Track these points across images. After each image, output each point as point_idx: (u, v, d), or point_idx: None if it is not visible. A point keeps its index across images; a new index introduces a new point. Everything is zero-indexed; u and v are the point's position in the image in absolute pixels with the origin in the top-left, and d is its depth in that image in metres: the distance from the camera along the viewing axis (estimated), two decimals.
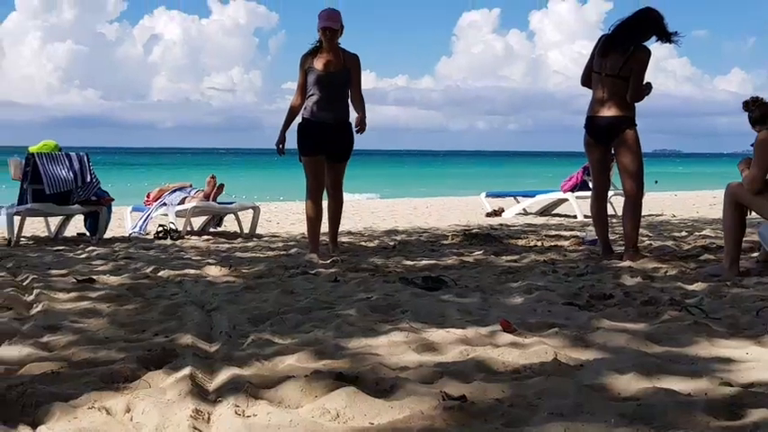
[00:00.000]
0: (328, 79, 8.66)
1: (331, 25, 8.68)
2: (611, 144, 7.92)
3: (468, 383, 3.46)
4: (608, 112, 7.80)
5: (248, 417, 3.18)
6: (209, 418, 3.18)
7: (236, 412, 3.21)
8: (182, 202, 12.41)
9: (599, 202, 8.35)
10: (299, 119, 8.82)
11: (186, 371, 3.67)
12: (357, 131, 8.73)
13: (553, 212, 17.15)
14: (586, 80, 8.08)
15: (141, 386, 3.57)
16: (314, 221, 8.98)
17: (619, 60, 7.75)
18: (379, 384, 3.52)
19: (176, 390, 3.43)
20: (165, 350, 4.13)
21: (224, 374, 3.70)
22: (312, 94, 8.68)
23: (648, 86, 7.88)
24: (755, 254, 7.25)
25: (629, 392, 3.35)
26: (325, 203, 9.02)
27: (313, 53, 8.78)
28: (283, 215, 17.91)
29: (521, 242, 10.06)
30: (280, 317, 5.04)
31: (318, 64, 8.68)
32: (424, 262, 8.06)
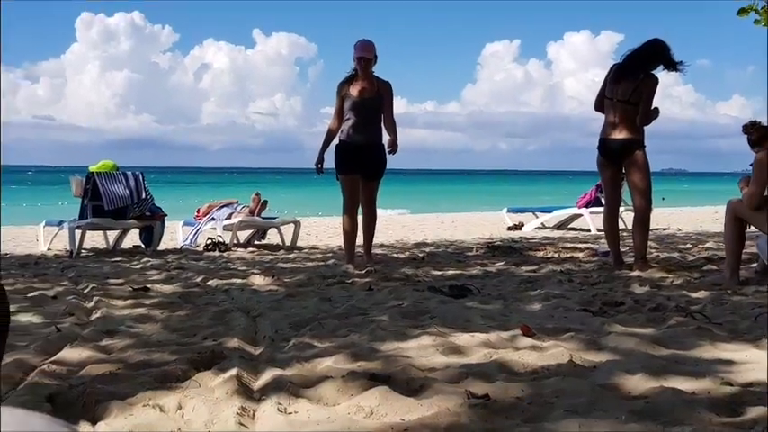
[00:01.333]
0: (363, 105, 8.66)
1: (365, 55, 8.69)
2: (622, 164, 7.90)
3: (490, 383, 3.46)
4: (619, 134, 7.79)
5: (290, 414, 3.19)
6: (253, 415, 3.18)
7: (278, 409, 3.21)
8: (229, 217, 12.41)
9: (611, 217, 8.33)
10: (336, 141, 8.81)
11: (233, 371, 3.68)
12: (390, 152, 8.71)
13: (569, 226, 17.06)
14: (599, 105, 8.07)
15: (192, 385, 3.58)
16: (350, 235, 8.98)
17: (629, 87, 7.74)
18: (410, 384, 3.52)
19: (224, 389, 3.44)
20: (214, 352, 4.14)
21: (267, 375, 3.71)
22: (348, 119, 8.68)
23: (656, 111, 7.87)
24: (754, 264, 7.21)
25: (638, 391, 3.33)
26: (360, 218, 9.01)
27: (349, 81, 8.78)
28: (321, 229, 17.88)
29: (539, 254, 10.02)
30: (318, 322, 5.03)
31: (354, 91, 8.68)
32: (450, 272, 8.04)
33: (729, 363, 3.77)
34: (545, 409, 3.14)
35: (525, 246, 11.31)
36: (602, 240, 10.35)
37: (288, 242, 12.45)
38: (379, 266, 8.50)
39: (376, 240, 10.48)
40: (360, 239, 9.06)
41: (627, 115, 7.77)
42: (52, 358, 4.11)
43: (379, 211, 9.45)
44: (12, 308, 5.41)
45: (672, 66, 7.80)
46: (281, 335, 4.70)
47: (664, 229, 16.01)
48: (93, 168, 11.58)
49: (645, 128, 7.86)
